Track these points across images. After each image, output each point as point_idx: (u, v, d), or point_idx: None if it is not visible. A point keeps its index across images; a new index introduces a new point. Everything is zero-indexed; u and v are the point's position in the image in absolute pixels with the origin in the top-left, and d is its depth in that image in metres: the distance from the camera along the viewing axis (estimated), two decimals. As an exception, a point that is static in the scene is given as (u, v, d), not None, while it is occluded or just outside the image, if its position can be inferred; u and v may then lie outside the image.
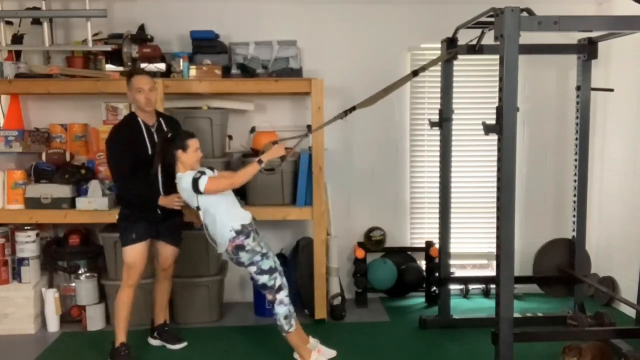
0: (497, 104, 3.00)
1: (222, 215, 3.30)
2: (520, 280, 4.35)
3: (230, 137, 4.50)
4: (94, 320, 4.13)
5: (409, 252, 4.85)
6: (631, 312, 3.96)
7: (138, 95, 3.46)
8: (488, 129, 2.99)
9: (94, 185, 4.04)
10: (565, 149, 4.69)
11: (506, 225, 3.01)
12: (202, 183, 3.21)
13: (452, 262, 4.27)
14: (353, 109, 3.48)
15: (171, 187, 3.45)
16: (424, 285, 4.70)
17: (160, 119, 3.62)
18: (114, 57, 4.26)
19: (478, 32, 3.79)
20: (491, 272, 4.65)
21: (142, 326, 3.93)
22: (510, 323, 3.04)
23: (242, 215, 3.38)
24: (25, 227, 4.09)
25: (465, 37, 3.85)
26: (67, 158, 4.29)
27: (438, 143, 4.15)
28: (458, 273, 4.73)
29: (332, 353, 3.60)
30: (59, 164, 4.21)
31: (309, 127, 4.24)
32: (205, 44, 4.29)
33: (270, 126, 4.44)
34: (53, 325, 4.12)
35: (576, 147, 4.11)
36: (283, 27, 4.54)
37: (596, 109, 4.63)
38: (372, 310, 4.51)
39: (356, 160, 4.76)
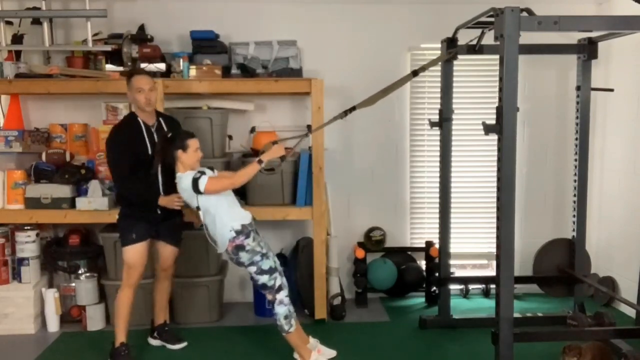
0: (497, 104, 3.00)
1: (222, 215, 3.29)
2: (520, 280, 4.35)
3: (230, 137, 4.50)
4: (94, 320, 4.13)
5: (409, 252, 4.85)
6: (631, 312, 3.96)
7: (138, 95, 3.46)
8: (488, 129, 2.99)
9: (94, 185, 4.04)
10: (565, 149, 4.69)
11: (506, 225, 3.01)
12: (202, 183, 3.21)
13: (452, 262, 4.27)
14: (353, 109, 3.48)
15: (171, 187, 3.45)
16: (424, 285, 4.70)
17: (160, 119, 3.62)
18: (114, 57, 4.26)
19: (478, 32, 3.79)
20: (491, 272, 4.65)
21: (142, 326, 3.93)
22: (510, 323, 3.04)
23: (242, 215, 3.38)
24: (25, 227, 4.09)
25: (465, 37, 3.85)
26: (67, 158, 4.29)
27: (438, 143, 4.14)
28: (458, 273, 4.73)
29: (332, 353, 3.60)
30: (59, 164, 4.21)
31: (309, 127, 4.24)
32: (205, 44, 4.29)
33: (270, 126, 4.44)
34: (53, 325, 4.12)
35: (576, 147, 4.11)
36: (283, 27, 4.54)
37: (596, 109, 4.63)
38: (372, 310, 4.51)
39: (356, 160, 4.76)
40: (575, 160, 4.12)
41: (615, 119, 4.55)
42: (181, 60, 4.17)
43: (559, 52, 4.13)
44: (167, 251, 3.71)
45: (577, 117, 4.09)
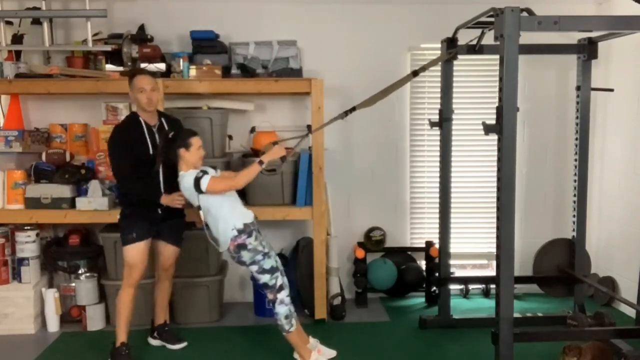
0: (497, 104, 3.00)
1: (225, 214, 3.29)
2: (520, 280, 4.35)
3: (230, 137, 4.50)
4: (94, 320, 4.12)
5: (409, 252, 4.84)
6: (631, 312, 3.96)
7: (140, 95, 3.46)
8: (488, 129, 2.99)
9: (94, 185, 4.04)
10: (565, 149, 4.69)
11: (506, 225, 3.01)
12: (204, 182, 3.21)
13: (452, 262, 4.27)
14: (353, 109, 3.48)
15: (173, 187, 3.45)
16: (424, 285, 4.70)
17: (162, 119, 3.62)
18: (114, 57, 4.26)
19: (478, 32, 3.79)
20: (491, 272, 4.66)
21: (142, 326, 3.93)
22: (510, 323, 3.04)
23: (244, 214, 3.38)
24: (25, 227, 4.09)
25: (465, 37, 3.85)
26: (67, 158, 4.29)
27: (438, 143, 4.15)
28: (458, 273, 4.73)
29: (332, 353, 3.60)
30: (59, 164, 4.21)
31: (309, 127, 4.24)
32: (205, 44, 4.29)
33: (270, 126, 4.44)
34: (53, 325, 4.12)
35: (576, 147, 4.11)
36: (283, 27, 4.54)
37: (596, 109, 4.63)
38: (372, 310, 4.51)
39: (356, 160, 4.76)
40: (575, 160, 4.12)
41: (615, 119, 4.55)
42: (181, 60, 4.18)
43: (559, 52, 4.14)
44: (168, 251, 3.71)
45: (577, 117, 4.09)
